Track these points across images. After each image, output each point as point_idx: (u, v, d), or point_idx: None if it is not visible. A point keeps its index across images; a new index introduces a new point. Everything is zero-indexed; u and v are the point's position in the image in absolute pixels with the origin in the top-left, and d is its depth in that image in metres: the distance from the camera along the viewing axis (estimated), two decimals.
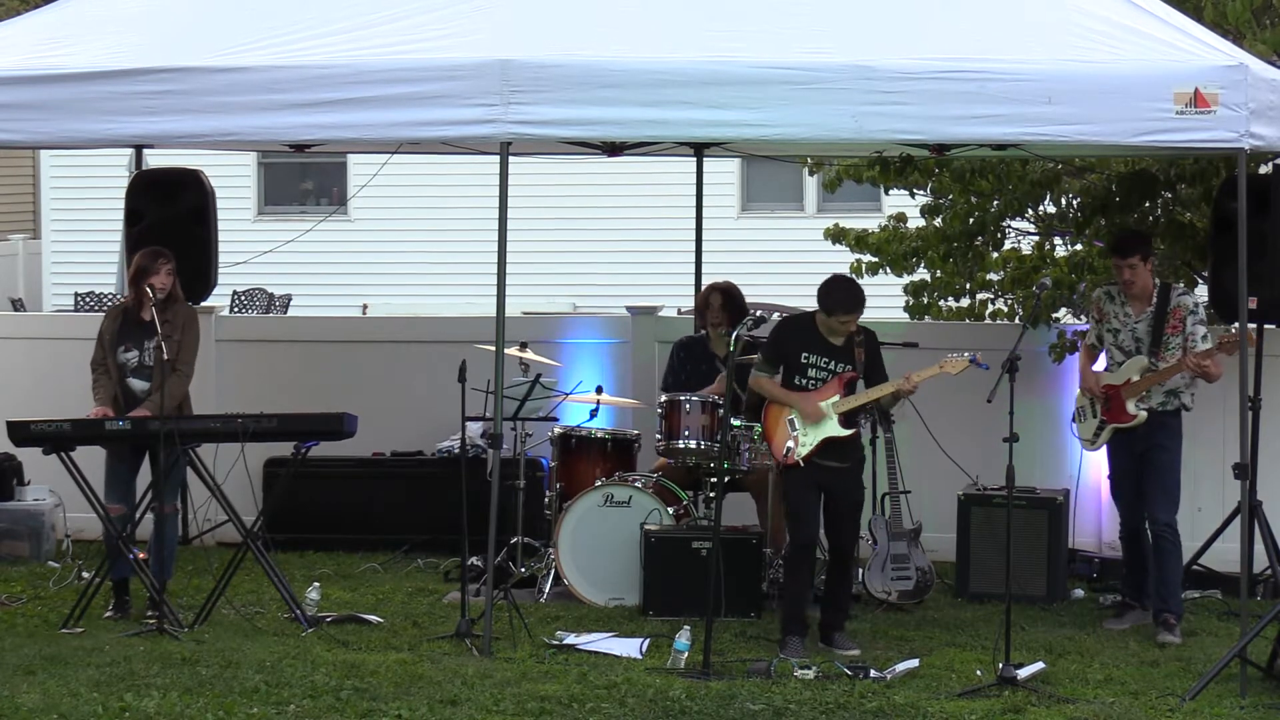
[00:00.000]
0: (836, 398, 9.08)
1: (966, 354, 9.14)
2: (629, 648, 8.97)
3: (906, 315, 12.53)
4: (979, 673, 8.60)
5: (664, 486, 10.30)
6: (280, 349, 12.18)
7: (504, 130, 8.74)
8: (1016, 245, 12.72)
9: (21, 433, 9.52)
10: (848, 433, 9.09)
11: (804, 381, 9.12)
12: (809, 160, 13.53)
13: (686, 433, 10.21)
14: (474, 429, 11.18)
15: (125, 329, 9.72)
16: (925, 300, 12.58)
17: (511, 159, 8.91)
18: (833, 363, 9.10)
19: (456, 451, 11.33)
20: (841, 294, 9.06)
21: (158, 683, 8.18)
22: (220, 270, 11.61)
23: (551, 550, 10.17)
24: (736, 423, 9.97)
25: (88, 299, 20.06)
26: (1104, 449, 9.79)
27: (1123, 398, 9.54)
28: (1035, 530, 10.26)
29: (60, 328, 12.97)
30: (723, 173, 20.05)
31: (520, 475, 10.44)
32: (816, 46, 8.87)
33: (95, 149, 13.98)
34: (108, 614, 9.60)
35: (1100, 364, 9.84)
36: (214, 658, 8.64)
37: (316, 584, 9.83)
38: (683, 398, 10.26)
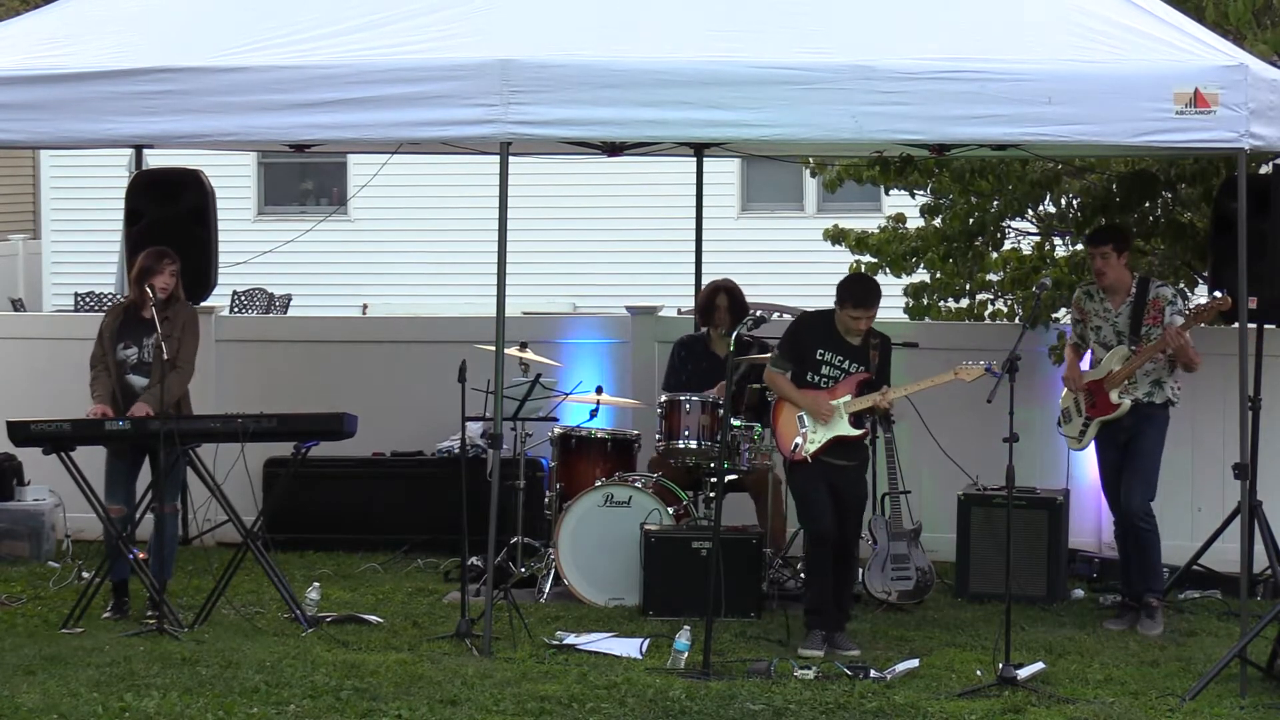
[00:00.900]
0: (848, 397, 9.09)
1: (982, 362, 9.14)
2: (629, 648, 8.97)
3: (906, 316, 12.53)
4: (979, 673, 8.60)
5: (664, 486, 10.30)
6: (280, 349, 12.18)
7: (504, 130, 8.74)
8: (1016, 245, 12.72)
9: (21, 433, 9.52)
10: (857, 433, 9.11)
11: (816, 379, 9.14)
12: (810, 162, 13.53)
13: (686, 433, 10.22)
14: (474, 429, 11.18)
15: (125, 326, 9.72)
16: (925, 301, 12.58)
17: (511, 159, 8.91)
18: (847, 362, 9.12)
19: (456, 451, 11.33)
20: (858, 286, 9.12)
21: (158, 683, 8.18)
22: (220, 270, 11.61)
23: (551, 550, 10.17)
24: (736, 423, 9.97)
25: (88, 299, 20.06)
26: (1091, 447, 9.80)
27: (1105, 389, 9.57)
28: (1035, 530, 10.26)
29: (60, 328, 12.97)
30: (723, 173, 20.04)
31: (520, 475, 10.45)
32: (816, 46, 8.87)
33: (95, 149, 13.99)
34: (106, 614, 9.60)
35: (1085, 364, 9.86)
36: (214, 658, 8.64)
37: (316, 584, 9.83)
38: (683, 398, 10.26)
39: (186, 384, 9.73)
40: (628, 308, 12.18)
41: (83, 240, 21.87)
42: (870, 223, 13.24)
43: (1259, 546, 9.42)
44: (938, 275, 12.51)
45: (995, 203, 12.08)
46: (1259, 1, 10.77)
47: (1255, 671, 8.45)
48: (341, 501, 11.59)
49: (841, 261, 13.05)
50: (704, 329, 10.87)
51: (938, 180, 12.17)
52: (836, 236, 12.99)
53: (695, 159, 12.30)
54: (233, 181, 19.03)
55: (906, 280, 12.56)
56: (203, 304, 11.61)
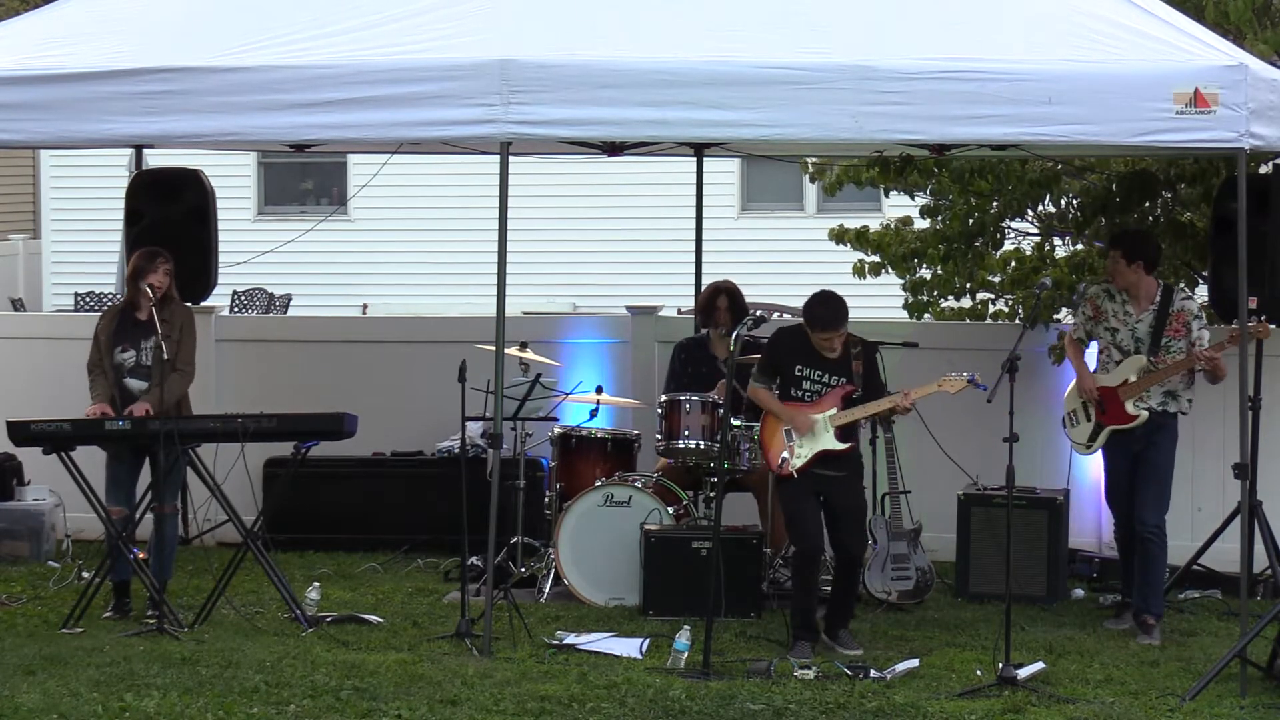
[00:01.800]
0: (834, 411, 9.07)
1: (965, 374, 9.13)
2: (629, 648, 8.97)
3: (906, 314, 12.52)
4: (979, 673, 8.61)
5: (664, 486, 10.30)
6: (280, 349, 12.18)
7: (504, 130, 8.74)
8: (1017, 245, 12.72)
9: (21, 433, 9.52)
10: (843, 447, 9.08)
11: (799, 394, 9.12)
12: (809, 167, 13.53)
13: (686, 433, 10.22)
14: (474, 429, 11.18)
15: (121, 329, 9.72)
16: (924, 298, 12.57)
17: (511, 159, 8.91)
18: (827, 375, 9.09)
19: (456, 451, 11.33)
20: (821, 309, 9.02)
21: (158, 683, 8.18)
22: (220, 270, 11.62)
23: (551, 550, 10.17)
24: (736, 423, 9.97)
25: (88, 299, 20.06)
26: (1098, 452, 9.78)
27: (1120, 398, 9.52)
28: (1035, 530, 10.26)
29: (60, 328, 12.97)
30: (723, 173, 20.04)
31: (520, 475, 10.44)
32: (816, 46, 8.87)
33: (95, 149, 14.00)
34: (107, 614, 9.60)
35: (1089, 364, 9.82)
36: (214, 658, 8.64)
37: (316, 584, 9.83)
38: (683, 398, 10.26)
39: (187, 386, 9.73)
40: (628, 308, 12.17)
41: (83, 240, 21.87)
42: (871, 223, 13.24)
43: (1259, 546, 9.42)
44: (938, 273, 12.51)
45: (995, 203, 12.08)
46: (1259, 1, 10.76)
47: (1255, 671, 8.45)
48: (341, 501, 11.58)
49: (842, 261, 13.05)
50: (704, 330, 10.86)
51: (938, 180, 12.17)
52: (840, 236, 13.00)
53: (695, 159, 12.30)
54: (233, 181, 19.03)
55: (908, 278, 12.56)
56: (203, 304, 11.63)
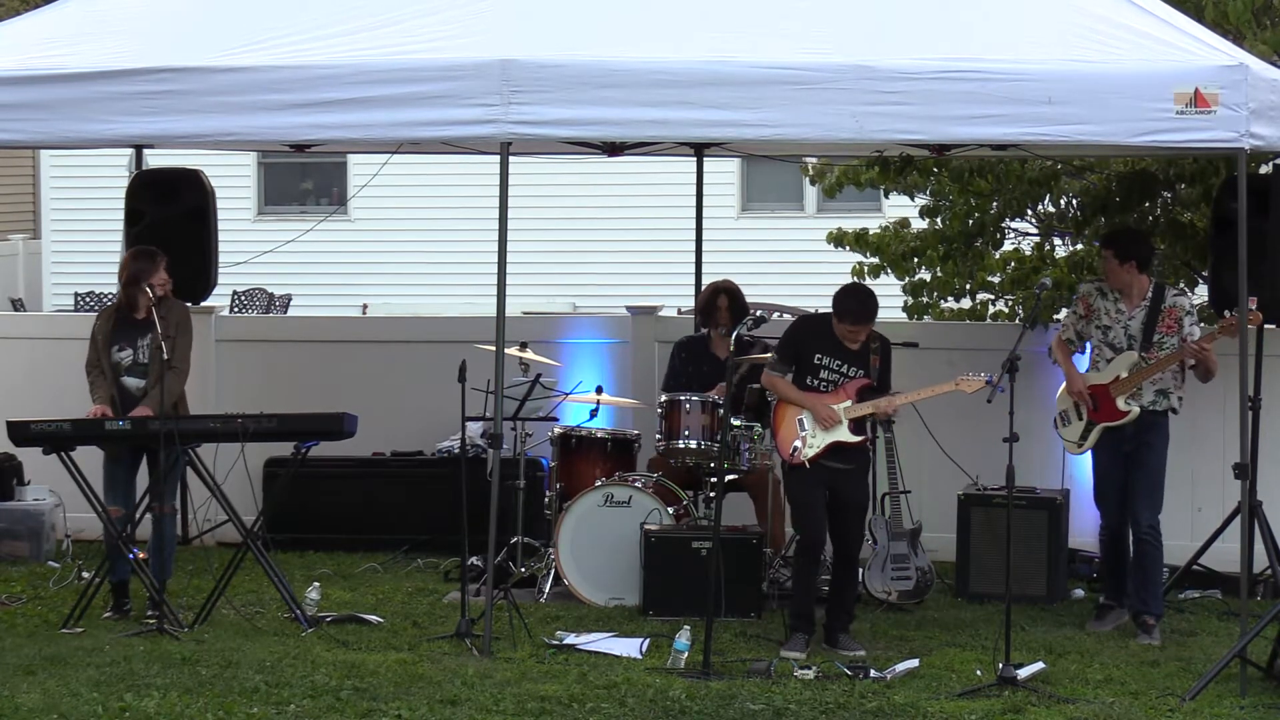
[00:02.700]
0: (849, 403, 9.08)
1: (984, 375, 9.11)
2: (629, 648, 8.97)
3: (905, 316, 12.53)
4: (979, 673, 8.61)
5: (664, 486, 10.30)
6: (280, 349, 12.17)
7: (504, 130, 8.74)
8: (1017, 245, 12.72)
9: (21, 433, 9.52)
10: (856, 439, 9.09)
11: (815, 382, 9.12)
12: (809, 170, 13.53)
13: (686, 433, 10.21)
14: (474, 429, 11.18)
15: (119, 329, 9.72)
16: (925, 300, 12.58)
17: (511, 159, 8.90)
18: (845, 366, 9.10)
19: (456, 451, 11.33)
20: (852, 303, 9.06)
21: (158, 683, 8.18)
22: (220, 270, 11.63)
23: (551, 550, 10.17)
24: (736, 423, 9.97)
25: (88, 299, 20.06)
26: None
27: (1112, 395, 9.51)
28: (1035, 530, 10.25)
29: (60, 328, 12.96)
30: (723, 173, 20.04)
31: (520, 475, 10.44)
32: (816, 46, 8.87)
33: (95, 149, 13.99)
34: (107, 614, 9.60)
35: (1081, 364, 9.79)
36: (214, 658, 8.64)
37: (316, 584, 9.83)
38: (682, 398, 10.26)
39: (183, 383, 9.73)
40: (628, 308, 12.17)
41: (83, 240, 21.87)
42: (871, 224, 13.25)
43: (1259, 546, 9.42)
44: (938, 274, 12.52)
45: (995, 203, 12.08)
46: (1259, 1, 10.77)
47: (1255, 671, 8.45)
48: (341, 501, 11.58)
49: (842, 262, 13.06)
50: (704, 330, 10.86)
51: (937, 180, 12.17)
52: (839, 239, 13.00)
53: (695, 159, 12.30)
54: (233, 181, 19.03)
55: (907, 280, 12.56)
56: (203, 304, 11.64)
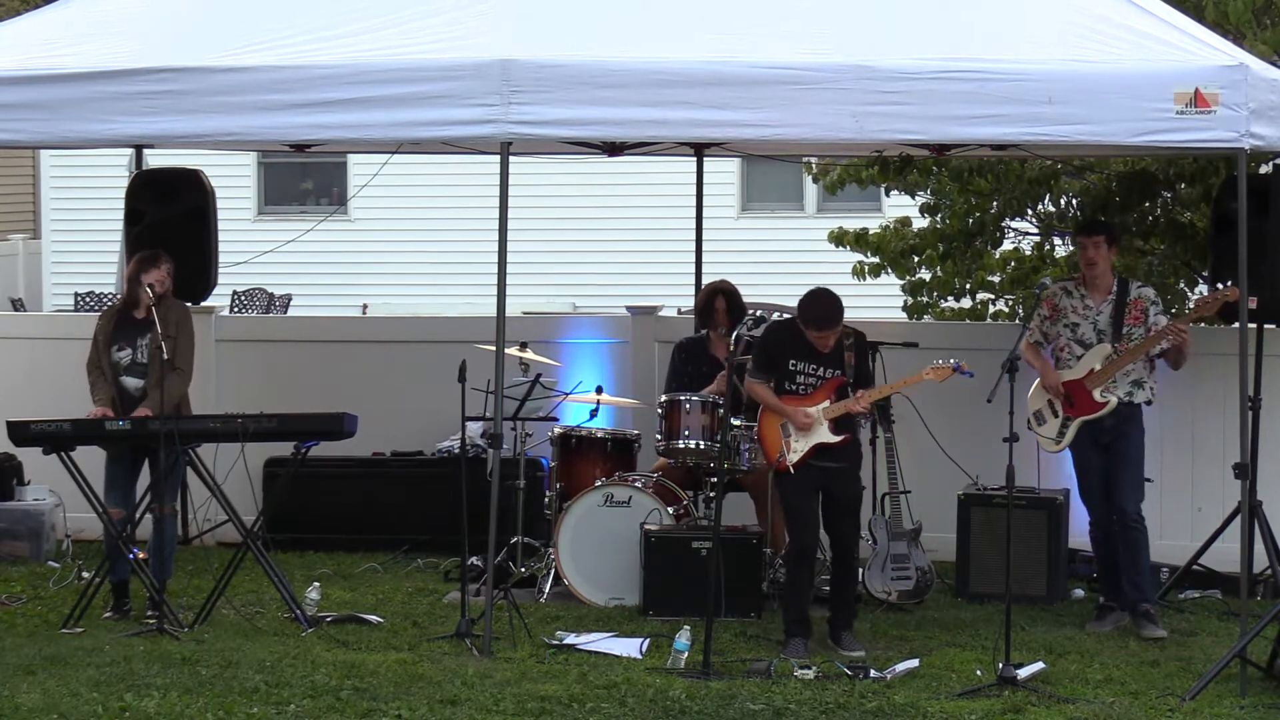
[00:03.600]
0: (827, 403, 9.07)
1: (951, 361, 9.13)
2: (629, 648, 8.97)
3: (905, 315, 12.53)
4: (979, 673, 8.61)
5: (664, 486, 10.30)
6: (280, 349, 12.17)
7: (504, 130, 8.74)
8: (1016, 245, 12.73)
9: (21, 433, 9.52)
10: (838, 439, 9.08)
11: (793, 388, 9.12)
12: (812, 168, 13.53)
13: (686, 433, 10.21)
14: (474, 429, 11.18)
15: (119, 328, 9.73)
16: (924, 300, 12.58)
17: (511, 159, 8.90)
18: (821, 368, 9.10)
19: (456, 451, 11.33)
20: (818, 308, 9.02)
21: (158, 683, 8.18)
22: (220, 270, 11.62)
23: (551, 550, 10.17)
24: (736, 422, 9.97)
25: (88, 299, 20.06)
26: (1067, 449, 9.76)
27: (1087, 389, 9.53)
28: (1035, 530, 10.25)
29: (60, 328, 12.96)
30: (723, 173, 20.04)
31: (520, 475, 10.44)
32: (816, 46, 8.87)
33: (95, 149, 13.99)
34: (107, 615, 9.60)
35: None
36: (214, 658, 8.64)
37: (316, 584, 9.83)
38: (682, 397, 10.26)
39: (186, 386, 9.74)
40: (628, 308, 12.17)
41: (83, 240, 21.88)
42: (871, 223, 13.25)
43: (1259, 546, 9.41)
44: (937, 274, 12.52)
45: (994, 202, 12.09)
46: (1259, 1, 10.77)
47: (1255, 671, 8.45)
48: (341, 501, 11.58)
49: (842, 262, 13.07)
50: (703, 330, 10.86)
51: (937, 180, 12.18)
52: (840, 239, 13.00)
53: (695, 159, 12.30)
54: (233, 181, 19.03)
55: (907, 279, 12.57)
56: (203, 304, 11.64)
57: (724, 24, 9.11)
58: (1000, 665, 8.39)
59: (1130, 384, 9.54)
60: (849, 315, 9.10)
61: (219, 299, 13.00)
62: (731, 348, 9.19)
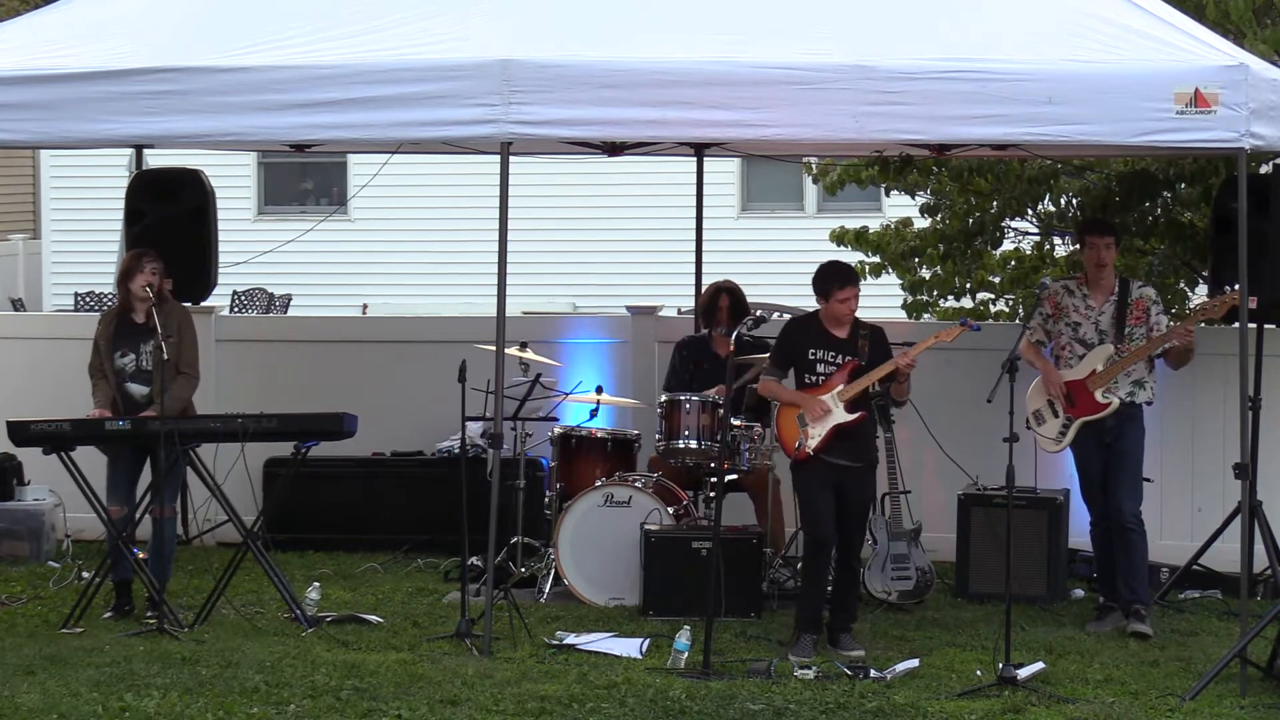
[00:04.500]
0: (841, 385, 9.08)
1: (957, 322, 9.14)
2: (629, 648, 8.97)
3: (905, 315, 12.53)
4: (979, 673, 8.60)
5: (664, 486, 10.30)
6: (280, 349, 12.17)
7: (504, 130, 8.74)
8: (1016, 245, 12.73)
9: (21, 433, 9.52)
10: (853, 417, 9.05)
11: (814, 378, 9.13)
12: (812, 168, 13.52)
13: (686, 433, 10.21)
14: (474, 429, 11.18)
15: (120, 333, 9.71)
16: (924, 299, 12.58)
17: (511, 159, 8.90)
18: (839, 356, 9.12)
19: (456, 451, 11.33)
20: (839, 268, 9.13)
21: (158, 683, 8.18)
22: (220, 270, 11.62)
23: (551, 550, 10.17)
24: (736, 422, 9.97)
25: (88, 299, 20.05)
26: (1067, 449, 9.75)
27: (1089, 389, 9.52)
28: (1035, 530, 10.25)
29: (60, 328, 12.96)
30: (723, 173, 20.04)
31: (520, 475, 10.44)
32: (816, 46, 8.87)
33: (95, 149, 13.99)
34: (108, 614, 9.60)
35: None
36: (214, 658, 8.64)
37: (316, 584, 9.83)
38: (682, 397, 10.26)
39: (193, 390, 9.73)
40: (628, 308, 12.17)
41: (83, 240, 21.87)
42: (872, 223, 13.24)
43: (1259, 546, 9.41)
44: (938, 273, 12.52)
45: (994, 202, 12.09)
46: (1259, 0, 10.77)
47: (1255, 671, 8.45)
48: (341, 501, 11.58)
49: (843, 261, 13.04)
50: (705, 330, 10.86)
51: (937, 180, 12.18)
52: (840, 238, 13.00)
53: (695, 159, 12.30)
54: (233, 181, 19.03)
55: (907, 279, 12.57)
56: (203, 304, 11.64)
57: (724, 24, 9.10)
58: (1000, 665, 8.39)
59: (1132, 384, 9.54)
60: (867, 316, 9.14)
61: (219, 299, 12.99)
62: (732, 348, 9.19)
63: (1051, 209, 12.33)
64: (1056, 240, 12.59)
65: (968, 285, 12.63)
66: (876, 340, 9.18)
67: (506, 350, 9.58)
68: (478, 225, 18.28)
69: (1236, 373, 8.75)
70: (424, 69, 8.80)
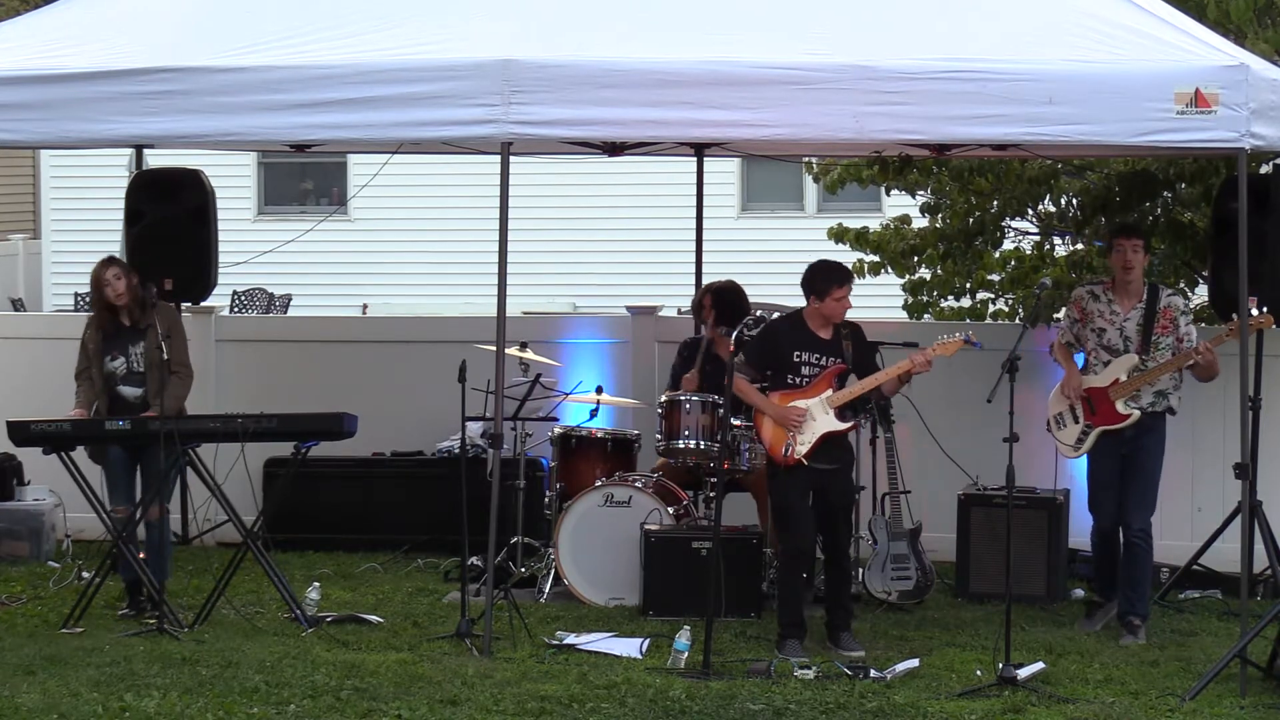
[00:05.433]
0: (829, 392, 9.06)
1: (959, 334, 9.11)
2: (629, 648, 8.97)
3: (905, 314, 12.52)
4: (979, 673, 8.60)
5: (664, 486, 10.30)
6: (280, 349, 12.18)
7: (505, 130, 8.74)
8: (1017, 245, 12.72)
9: (21, 433, 9.52)
10: (845, 426, 9.06)
11: (798, 380, 9.10)
12: (813, 167, 13.52)
13: (686, 433, 10.21)
14: (474, 429, 11.18)
15: (109, 338, 9.72)
16: (924, 299, 12.58)
17: (512, 159, 8.90)
18: (824, 358, 9.09)
19: (456, 451, 11.33)
20: (832, 269, 9.11)
21: (158, 683, 8.18)
22: (220, 270, 11.62)
23: (551, 550, 10.17)
24: (736, 422, 9.96)
25: (88, 299, 19.94)
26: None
27: (1110, 399, 9.47)
28: (1035, 530, 10.25)
29: (60, 328, 12.92)
30: (723, 173, 20.04)
31: (520, 475, 10.45)
32: (816, 47, 8.87)
33: (95, 149, 14.00)
34: (122, 611, 9.59)
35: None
36: (214, 658, 8.64)
37: (316, 584, 9.83)
38: (682, 397, 10.26)
39: (189, 388, 9.74)
40: (628, 308, 12.17)
41: (83, 240, 21.81)
42: (871, 222, 13.24)
43: (1259, 546, 9.41)
44: (938, 273, 12.52)
45: (994, 202, 12.08)
46: (1260, 0, 10.77)
47: (1255, 671, 8.45)
48: (341, 501, 11.59)
49: (843, 260, 13.03)
50: (701, 330, 10.85)
51: (937, 180, 12.18)
52: (840, 235, 12.99)
53: (695, 159, 12.29)
54: (233, 181, 19.03)
55: (907, 278, 12.56)
56: (203, 304, 11.64)
57: (724, 24, 9.11)
58: (1000, 665, 8.39)
59: (1154, 393, 9.42)
60: (849, 314, 9.11)
61: (219, 299, 13.00)
62: (731, 347, 9.19)
63: (1052, 209, 12.32)
64: (1056, 240, 12.58)
65: (968, 285, 12.62)
66: (857, 339, 9.16)
67: (506, 350, 9.58)
68: (478, 225, 18.27)
69: (1236, 373, 8.75)
70: (424, 69, 8.80)
